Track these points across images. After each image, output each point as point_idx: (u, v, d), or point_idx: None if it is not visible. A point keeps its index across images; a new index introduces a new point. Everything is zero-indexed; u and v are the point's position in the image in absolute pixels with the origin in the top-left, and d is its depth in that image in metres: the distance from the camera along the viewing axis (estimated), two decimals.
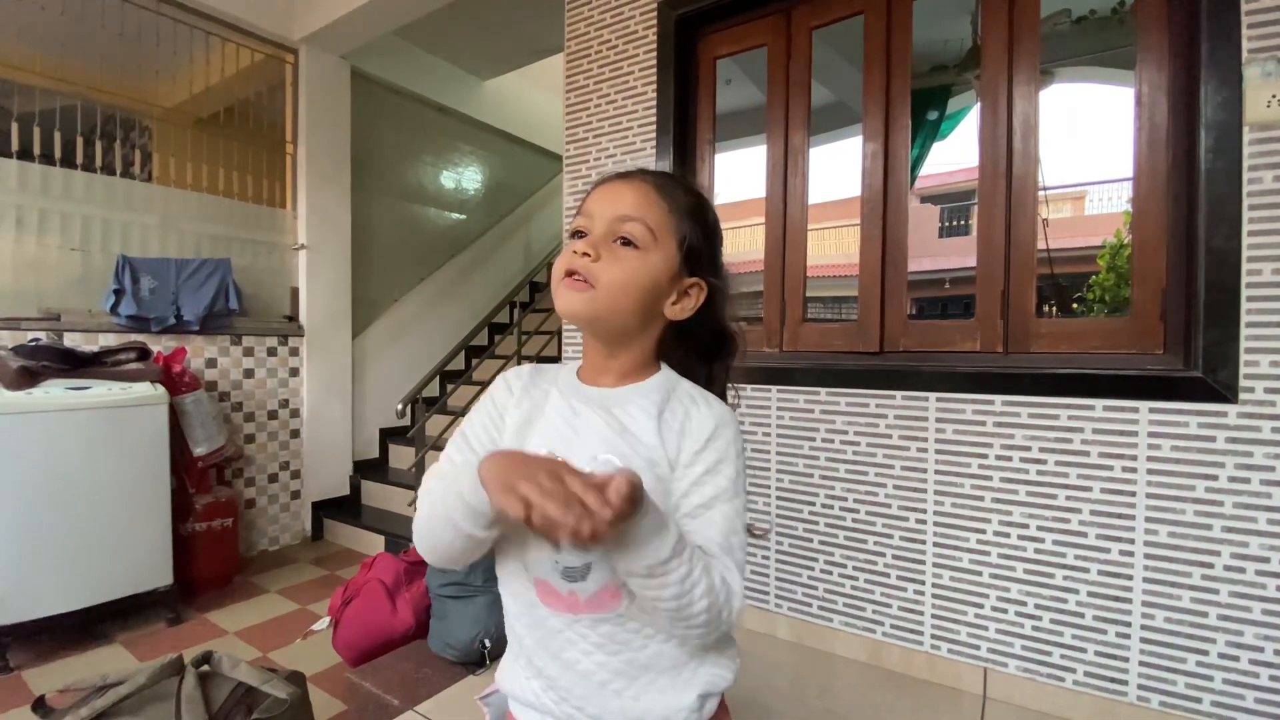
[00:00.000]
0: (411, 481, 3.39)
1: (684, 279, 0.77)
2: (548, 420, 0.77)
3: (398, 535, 3.25)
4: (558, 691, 0.73)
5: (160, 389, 2.51)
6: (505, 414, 0.80)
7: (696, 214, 0.79)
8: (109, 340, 2.79)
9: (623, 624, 0.71)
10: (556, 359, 3.78)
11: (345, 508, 3.75)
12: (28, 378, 2.26)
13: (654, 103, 2.38)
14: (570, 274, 0.73)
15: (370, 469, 3.98)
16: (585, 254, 0.73)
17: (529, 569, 0.73)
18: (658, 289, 0.75)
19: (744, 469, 0.75)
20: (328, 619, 2.16)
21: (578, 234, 0.77)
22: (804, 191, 2.21)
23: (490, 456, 0.63)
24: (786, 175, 2.23)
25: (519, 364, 3.88)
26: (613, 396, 0.78)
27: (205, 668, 1.24)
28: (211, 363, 3.19)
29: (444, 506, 0.67)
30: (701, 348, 0.84)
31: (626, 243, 0.74)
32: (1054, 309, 2.50)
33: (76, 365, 2.50)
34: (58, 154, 2.75)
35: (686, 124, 2.39)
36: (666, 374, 0.81)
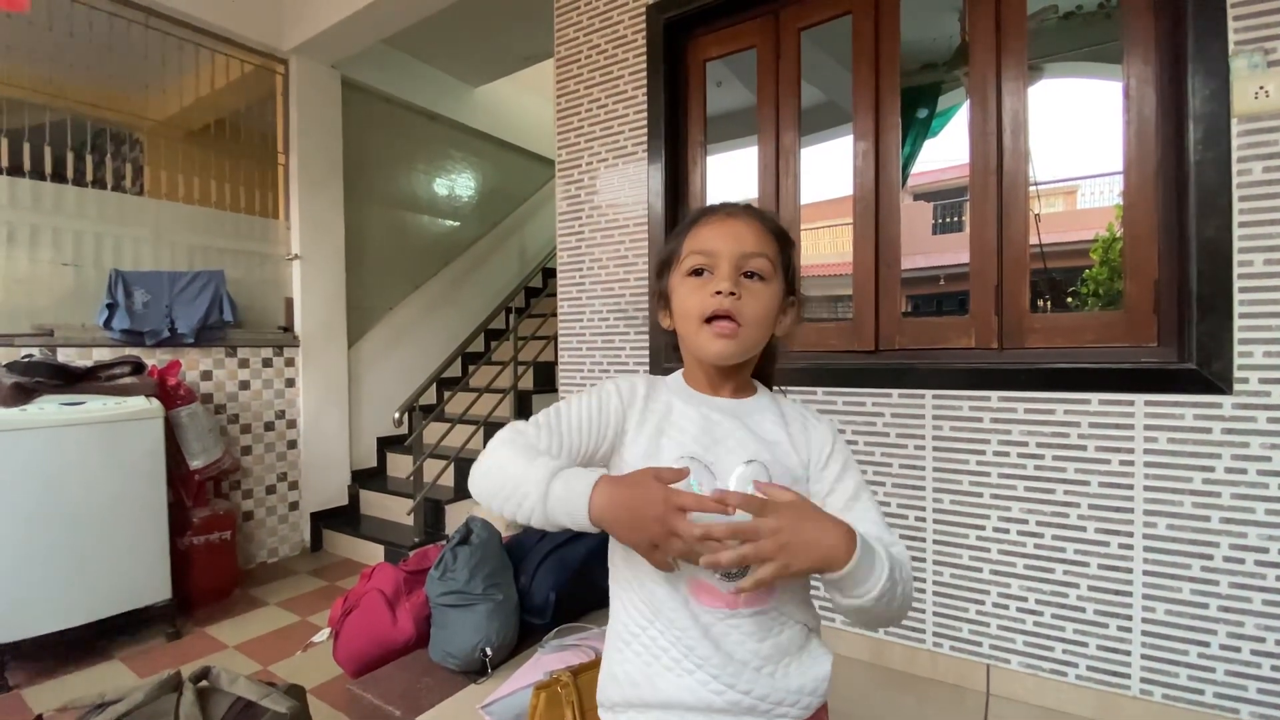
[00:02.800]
0: (410, 490, 3.38)
1: (785, 298, 0.85)
2: (681, 429, 0.81)
3: (397, 545, 3.24)
4: (723, 680, 0.74)
5: (155, 403, 2.50)
6: (625, 422, 0.83)
7: (789, 240, 0.87)
8: (103, 355, 2.78)
9: (769, 613, 0.77)
10: (553, 364, 3.77)
11: (344, 518, 3.74)
12: (22, 394, 2.25)
13: (645, 106, 2.38)
14: (716, 317, 0.78)
15: (368, 478, 3.97)
16: (731, 293, 0.78)
17: (684, 570, 0.76)
18: (776, 313, 0.83)
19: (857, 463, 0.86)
20: (328, 630, 2.15)
21: (696, 271, 0.81)
22: (796, 192, 2.21)
23: (604, 490, 0.68)
24: (778, 176, 2.23)
25: (515, 369, 3.90)
26: (742, 407, 0.85)
27: (203, 683, 1.23)
28: (207, 375, 3.18)
29: (515, 497, 0.72)
30: (766, 352, 0.90)
31: (750, 275, 0.80)
32: (1048, 304, 2.51)
33: (71, 380, 2.49)
34: (48, 169, 2.74)
35: (677, 127, 2.40)
36: (763, 390, 0.89)
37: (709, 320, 0.79)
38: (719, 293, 0.78)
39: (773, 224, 0.85)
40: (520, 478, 0.72)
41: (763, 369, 0.92)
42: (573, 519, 0.69)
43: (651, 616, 0.78)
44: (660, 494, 0.66)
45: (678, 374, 0.90)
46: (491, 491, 0.74)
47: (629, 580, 0.81)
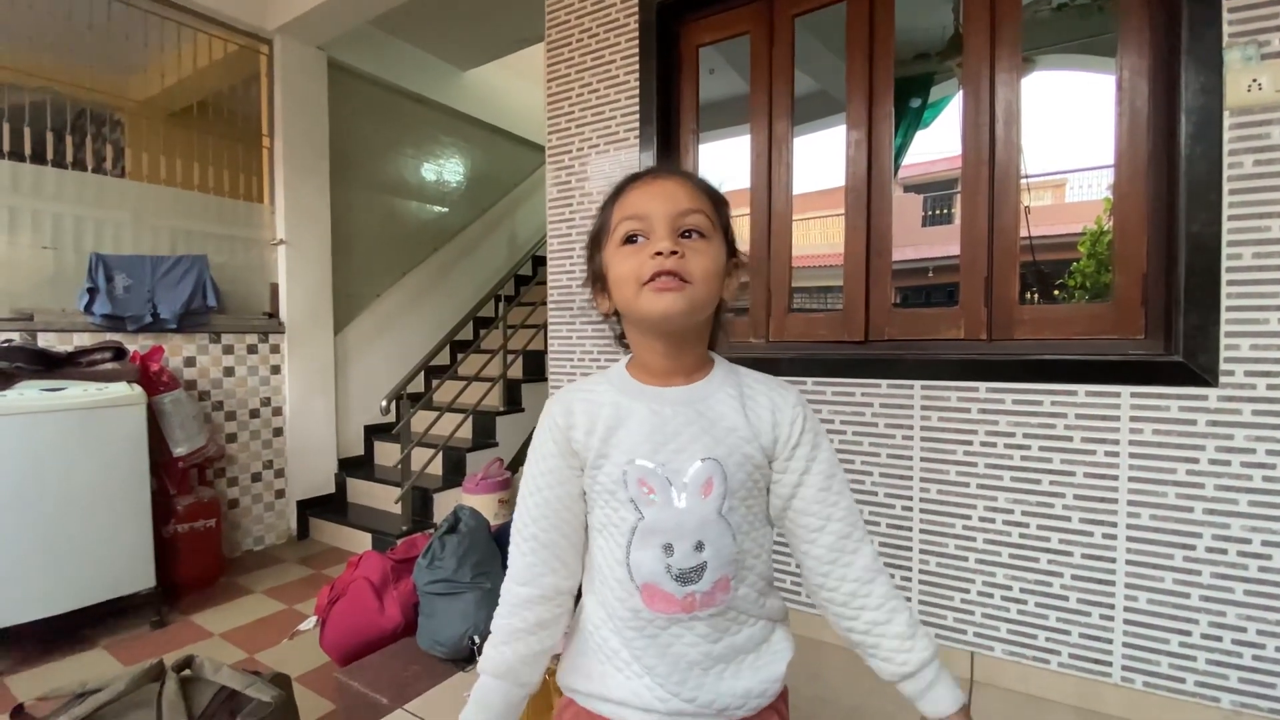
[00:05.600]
0: (397, 478, 3.36)
1: (728, 260, 0.80)
2: (633, 432, 0.76)
3: (384, 532, 3.22)
4: (668, 688, 0.74)
5: (137, 389, 2.47)
6: (571, 446, 0.78)
7: (724, 199, 0.82)
8: (84, 340, 2.74)
9: (724, 613, 0.75)
10: (542, 353, 3.76)
11: (331, 506, 3.72)
12: (1, 380, 2.21)
13: (636, 92, 2.36)
14: (657, 276, 0.72)
15: (355, 466, 3.94)
16: (673, 252, 0.72)
17: (634, 576, 0.74)
18: (722, 273, 0.78)
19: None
20: (314, 619, 2.13)
21: (630, 238, 0.76)
22: (788, 181, 2.20)
23: None
24: (771, 165, 2.22)
25: (505, 358, 3.87)
26: (695, 392, 0.79)
27: (187, 672, 1.22)
28: (190, 361, 3.14)
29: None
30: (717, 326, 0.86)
31: (688, 235, 0.75)
32: (1036, 296, 2.52)
33: (51, 366, 2.45)
34: (27, 150, 2.68)
35: (670, 113, 2.37)
36: (722, 363, 0.84)
37: (650, 281, 0.72)
38: (659, 254, 0.71)
39: (704, 183, 0.80)
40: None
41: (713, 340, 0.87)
42: None
43: (606, 617, 0.78)
44: None
45: (619, 365, 0.83)
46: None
47: (591, 579, 0.81)
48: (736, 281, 0.82)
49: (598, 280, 0.82)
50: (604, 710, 0.76)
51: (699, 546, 0.73)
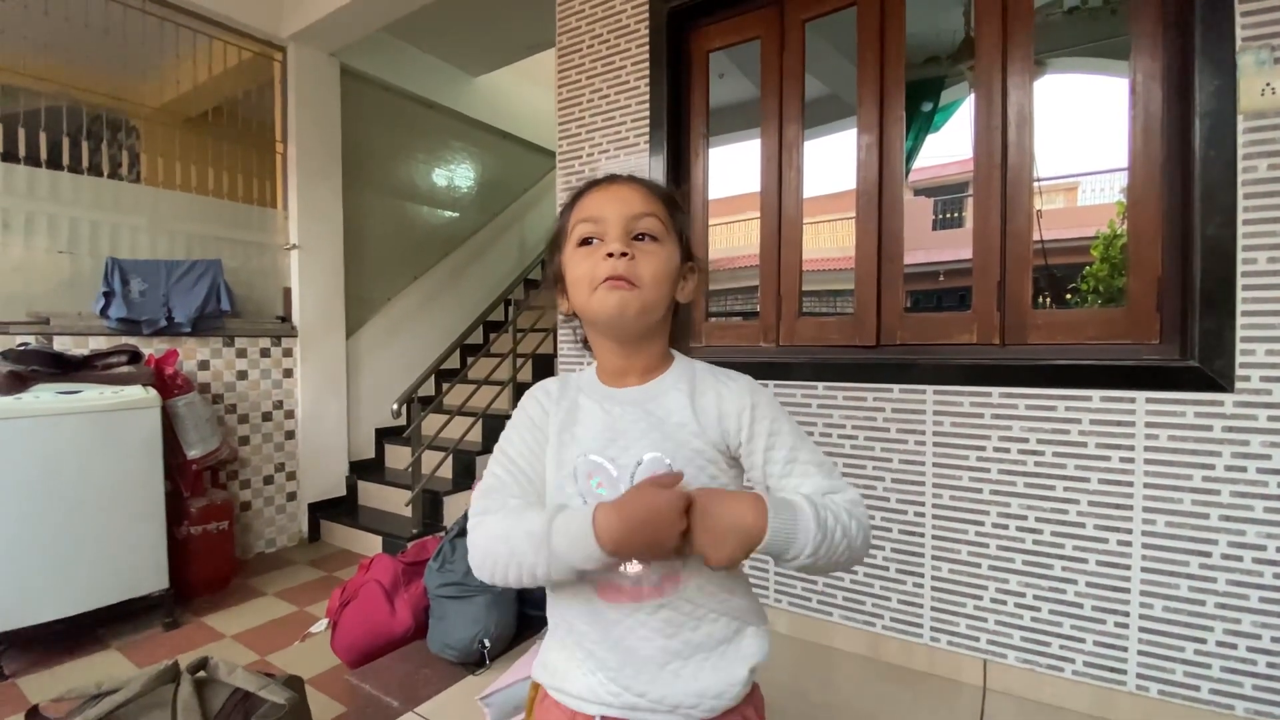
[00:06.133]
0: (408, 481, 3.37)
1: (683, 264, 0.82)
2: (585, 426, 0.79)
3: (395, 535, 3.24)
4: (619, 683, 0.74)
5: (152, 392, 2.49)
6: (545, 425, 0.82)
7: (680, 204, 0.85)
8: (99, 343, 2.76)
9: (679, 606, 0.74)
10: (552, 357, 3.77)
11: (342, 508, 3.74)
12: (17, 382, 2.24)
13: (647, 97, 2.36)
14: (610, 279, 0.75)
15: (366, 469, 3.96)
16: (623, 254, 0.75)
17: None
18: (675, 276, 0.80)
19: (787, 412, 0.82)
20: (325, 621, 2.15)
21: (586, 241, 0.78)
22: (799, 185, 2.20)
23: (607, 518, 0.66)
24: (781, 169, 2.22)
25: (514, 362, 3.89)
26: (645, 393, 0.81)
27: (201, 674, 1.23)
28: (204, 365, 3.16)
29: (524, 565, 0.70)
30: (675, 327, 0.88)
31: (641, 238, 0.77)
32: (1048, 300, 2.50)
33: (67, 369, 2.47)
34: (43, 155, 2.71)
35: (680, 118, 2.38)
36: (681, 361, 0.86)
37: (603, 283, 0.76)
38: (610, 255, 0.75)
39: (659, 188, 0.83)
40: (514, 545, 0.71)
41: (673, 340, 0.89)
42: (587, 558, 0.67)
43: (564, 612, 0.79)
44: (667, 501, 0.66)
45: (591, 368, 0.87)
46: (497, 571, 0.73)
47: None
48: (692, 284, 0.84)
49: (558, 282, 0.85)
50: (567, 702, 0.78)
51: None
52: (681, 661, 0.74)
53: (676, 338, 0.88)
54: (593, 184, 0.83)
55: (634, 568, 0.73)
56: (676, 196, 0.85)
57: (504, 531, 0.72)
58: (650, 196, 0.80)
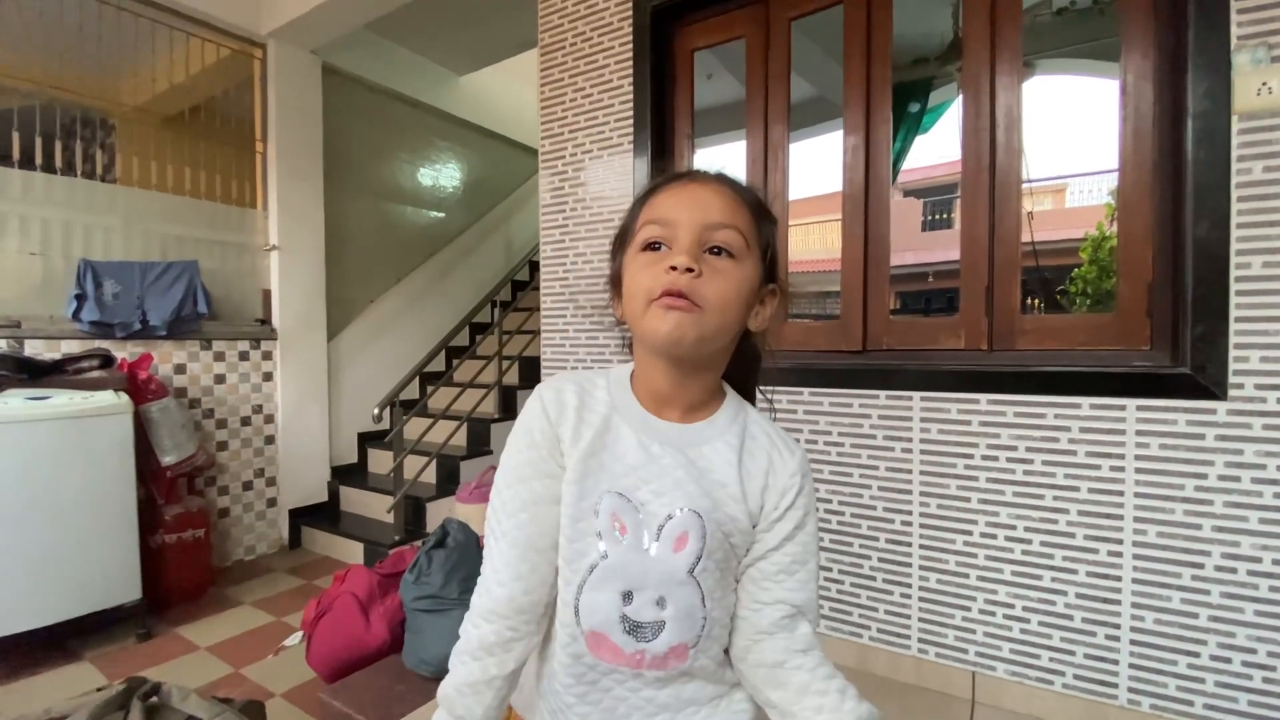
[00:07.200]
0: (390, 487, 3.31)
1: (763, 286, 0.71)
2: (618, 459, 0.68)
3: (377, 542, 3.18)
4: None
5: (124, 397, 2.42)
6: (557, 447, 0.69)
7: (769, 215, 0.73)
8: (71, 348, 2.69)
9: (676, 678, 0.68)
10: (539, 359, 3.71)
11: (323, 515, 3.67)
12: None
13: (631, 96, 2.32)
14: (668, 294, 0.64)
15: (349, 474, 3.89)
16: (688, 269, 0.63)
17: (581, 620, 0.66)
18: (749, 300, 0.69)
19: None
20: (300, 634, 2.09)
21: (652, 245, 0.67)
22: (784, 187, 2.16)
23: None
24: (766, 170, 2.18)
25: (500, 364, 3.83)
26: (690, 435, 0.71)
27: (153, 700, 1.17)
28: (180, 369, 3.09)
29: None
30: (742, 354, 0.77)
31: (717, 252, 0.66)
32: (1038, 303, 2.47)
33: (36, 374, 2.40)
34: (15, 155, 2.64)
35: (664, 118, 2.33)
36: (733, 401, 0.75)
37: (659, 299, 0.64)
38: (674, 268, 0.63)
39: (749, 194, 0.71)
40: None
41: (738, 377, 0.78)
42: None
43: (546, 657, 0.72)
44: None
45: (623, 372, 0.75)
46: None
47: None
48: (769, 311, 0.73)
49: (616, 283, 0.74)
50: None
51: (660, 603, 0.65)
52: (671, 714, 0.69)
53: (742, 371, 0.78)
54: (672, 178, 0.71)
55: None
56: (767, 204, 0.74)
57: (453, 682, 0.71)
58: (735, 203, 0.68)
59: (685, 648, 0.66)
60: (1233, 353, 1.44)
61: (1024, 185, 1.81)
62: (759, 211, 0.71)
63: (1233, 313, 1.44)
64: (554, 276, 2.56)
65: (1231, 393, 1.44)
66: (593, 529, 0.66)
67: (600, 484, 0.67)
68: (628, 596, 0.65)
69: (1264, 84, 1.35)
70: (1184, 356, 1.50)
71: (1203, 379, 1.47)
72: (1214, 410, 1.47)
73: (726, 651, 0.73)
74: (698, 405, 0.72)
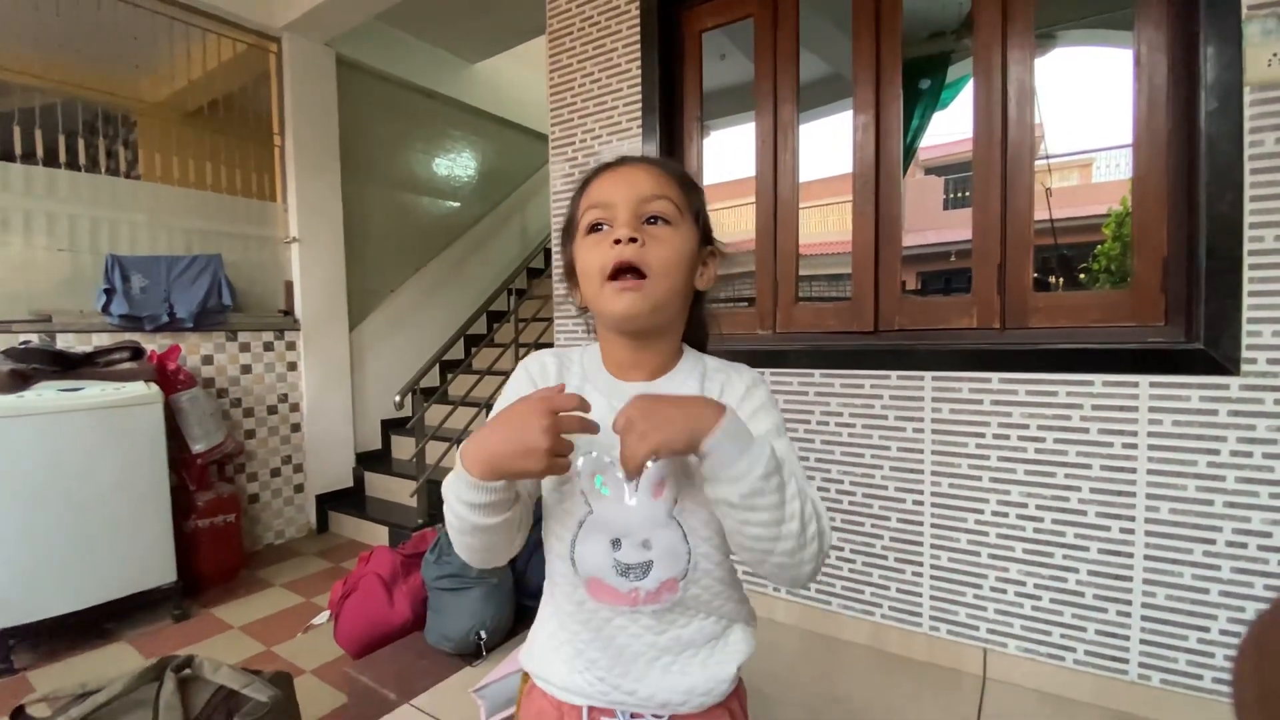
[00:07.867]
0: (413, 472, 3.38)
1: (701, 248, 0.78)
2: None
3: (401, 526, 3.26)
4: (609, 681, 0.73)
5: (154, 388, 2.51)
6: None
7: (695, 185, 0.80)
8: (102, 340, 2.78)
9: (672, 607, 0.73)
10: (551, 346, 3.75)
11: (349, 499, 3.77)
12: (19, 380, 2.26)
13: (639, 80, 2.32)
14: (618, 272, 0.70)
15: (373, 460, 3.99)
16: (631, 239, 0.70)
17: (578, 569, 0.72)
18: (693, 262, 0.76)
19: (783, 422, 0.77)
20: (327, 613, 2.16)
21: (596, 227, 0.74)
22: (794, 168, 2.15)
23: (470, 439, 0.64)
24: (776, 151, 2.17)
25: (517, 351, 3.88)
26: (653, 389, 0.76)
27: (186, 672, 1.23)
28: (208, 359, 3.18)
29: (459, 522, 0.67)
30: (697, 320, 0.84)
31: (654, 221, 0.73)
32: (1059, 281, 2.44)
33: (69, 367, 2.50)
34: (40, 153, 2.72)
35: (673, 101, 2.33)
36: (691, 355, 0.81)
37: (613, 277, 0.71)
38: (618, 241, 0.70)
39: (674, 167, 0.79)
40: (450, 511, 0.67)
41: (696, 341, 0.84)
42: (470, 487, 0.63)
43: (554, 609, 0.78)
44: (533, 402, 0.62)
45: (595, 347, 0.82)
46: (462, 546, 0.70)
47: (549, 576, 0.80)
48: (712, 271, 0.80)
49: (570, 273, 0.81)
50: (553, 693, 0.77)
51: (646, 544, 0.71)
52: (671, 658, 0.73)
53: (699, 334, 0.84)
54: (602, 167, 0.78)
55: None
56: (691, 176, 0.81)
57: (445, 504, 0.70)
58: (663, 177, 0.75)
59: (675, 581, 0.72)
60: (1246, 328, 1.42)
61: (1045, 161, 1.79)
62: (685, 183, 0.78)
63: (1246, 287, 1.42)
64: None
65: (1244, 368, 1.43)
66: (576, 489, 0.72)
67: (579, 447, 0.71)
68: (616, 543, 0.71)
69: (1275, 54, 1.32)
70: (1197, 332, 1.48)
71: (1216, 354, 1.45)
72: (1227, 386, 1.45)
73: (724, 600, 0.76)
74: (659, 369, 0.78)
